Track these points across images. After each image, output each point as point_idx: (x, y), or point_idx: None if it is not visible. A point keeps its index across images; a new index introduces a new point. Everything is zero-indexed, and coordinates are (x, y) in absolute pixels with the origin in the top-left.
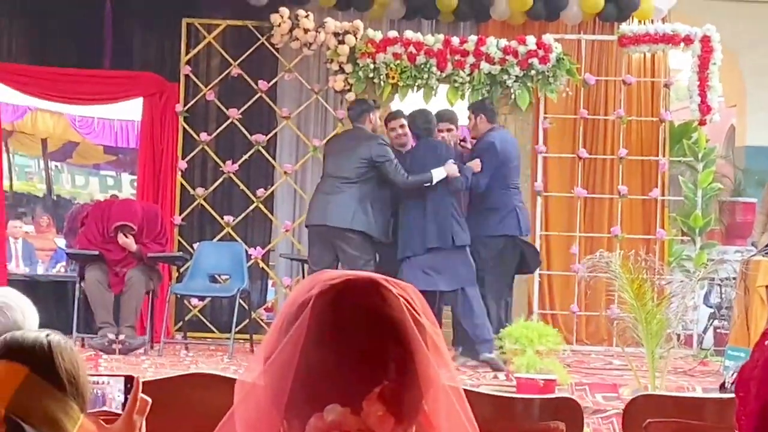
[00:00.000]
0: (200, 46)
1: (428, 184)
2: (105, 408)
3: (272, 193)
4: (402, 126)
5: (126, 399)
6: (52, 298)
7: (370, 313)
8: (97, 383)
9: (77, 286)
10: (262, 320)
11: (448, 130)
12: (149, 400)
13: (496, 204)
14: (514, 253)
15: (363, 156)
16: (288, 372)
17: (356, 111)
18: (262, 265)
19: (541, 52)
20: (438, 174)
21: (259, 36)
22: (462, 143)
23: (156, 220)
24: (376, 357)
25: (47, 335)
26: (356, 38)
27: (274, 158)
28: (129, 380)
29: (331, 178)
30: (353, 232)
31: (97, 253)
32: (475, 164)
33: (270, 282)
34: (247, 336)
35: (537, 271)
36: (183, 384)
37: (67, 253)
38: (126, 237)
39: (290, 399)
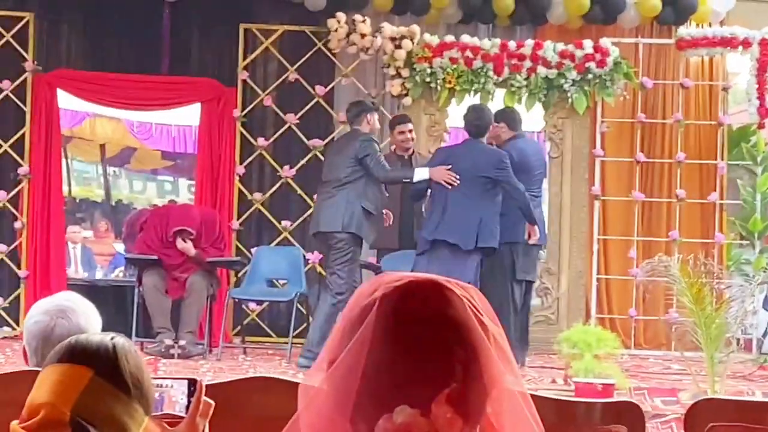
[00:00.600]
0: (258, 52)
1: (407, 180)
2: (168, 411)
3: None
4: (410, 131)
5: (189, 402)
6: (111, 303)
7: (434, 315)
8: (161, 386)
9: (136, 291)
10: None
11: (410, 131)
12: (212, 403)
13: (505, 210)
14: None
15: (350, 155)
16: (354, 376)
17: (353, 113)
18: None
19: (598, 56)
20: (420, 173)
21: (316, 41)
22: None
23: (214, 225)
24: (442, 359)
25: (112, 338)
26: (413, 43)
27: None
28: (192, 383)
29: (324, 183)
30: (341, 234)
31: (155, 257)
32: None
33: None
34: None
35: (594, 276)
36: (244, 388)
37: (126, 258)
38: (185, 242)
39: (356, 402)
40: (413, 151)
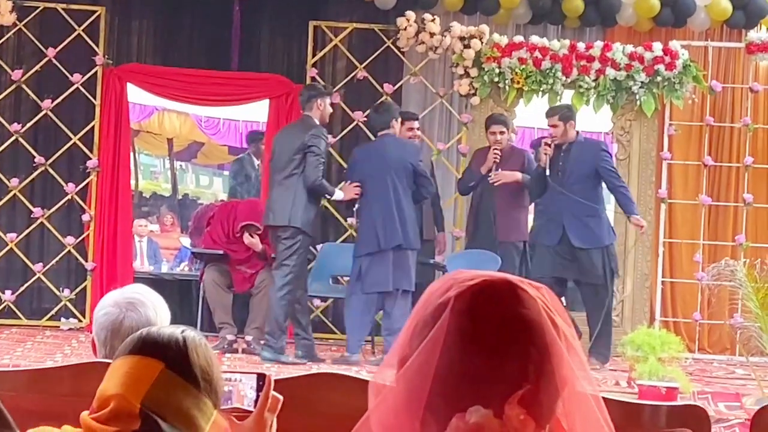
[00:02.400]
0: (327, 49)
1: (329, 196)
2: (237, 405)
3: None
4: (419, 128)
5: (257, 396)
6: (176, 296)
7: (508, 316)
8: (229, 380)
9: (201, 285)
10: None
11: (501, 133)
12: (281, 398)
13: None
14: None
15: (298, 146)
16: (426, 374)
17: (304, 96)
18: None
19: (667, 59)
20: (338, 194)
21: (385, 39)
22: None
23: None
24: (515, 359)
25: (182, 331)
26: (482, 42)
27: None
28: (261, 378)
29: (273, 173)
30: (288, 228)
31: (221, 252)
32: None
33: None
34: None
35: (659, 279)
36: (311, 383)
37: (192, 252)
38: (252, 237)
39: (427, 401)
40: (501, 151)
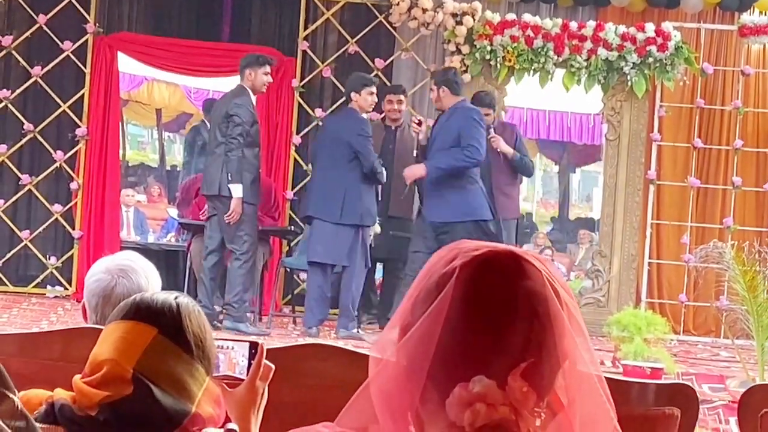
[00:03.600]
0: (318, 23)
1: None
2: (228, 372)
3: None
4: (400, 102)
5: (249, 365)
6: (163, 267)
7: (512, 287)
8: (222, 348)
9: (188, 255)
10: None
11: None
12: (272, 366)
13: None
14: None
15: (224, 114)
16: (429, 344)
17: (240, 65)
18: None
19: (659, 40)
20: (235, 190)
21: (377, 14)
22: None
23: (269, 194)
24: (519, 331)
25: (176, 297)
26: (474, 20)
27: None
28: (254, 346)
29: (208, 143)
30: (223, 198)
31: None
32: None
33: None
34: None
35: (646, 260)
36: (301, 354)
37: (179, 223)
38: None
39: (429, 370)
40: (402, 123)
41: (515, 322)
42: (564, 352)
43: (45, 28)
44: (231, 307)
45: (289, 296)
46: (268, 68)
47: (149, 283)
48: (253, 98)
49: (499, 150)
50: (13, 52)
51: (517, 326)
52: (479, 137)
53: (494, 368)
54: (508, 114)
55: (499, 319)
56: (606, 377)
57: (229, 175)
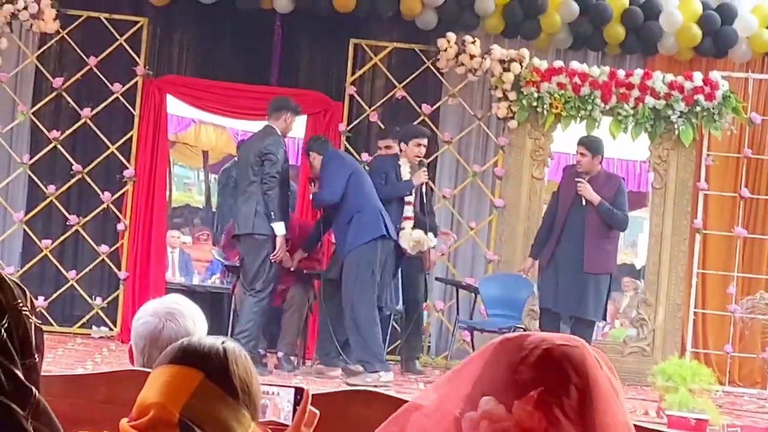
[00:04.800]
0: (366, 67)
1: (272, 216)
2: (273, 418)
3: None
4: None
5: (294, 410)
6: (207, 308)
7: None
8: (267, 393)
9: (232, 298)
10: None
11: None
12: (317, 412)
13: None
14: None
15: (257, 153)
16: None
17: (275, 105)
18: None
19: (707, 89)
20: (278, 227)
21: (425, 60)
22: None
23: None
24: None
25: (223, 342)
26: (521, 66)
27: (433, 181)
28: (299, 392)
29: (239, 183)
30: (255, 236)
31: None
32: None
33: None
34: (398, 357)
35: (692, 309)
36: (346, 399)
37: (224, 265)
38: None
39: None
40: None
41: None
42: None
43: (95, 70)
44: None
45: None
46: (297, 118)
47: (196, 326)
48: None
49: (584, 197)
50: (64, 94)
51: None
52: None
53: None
54: (553, 160)
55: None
56: (649, 428)
57: (272, 213)
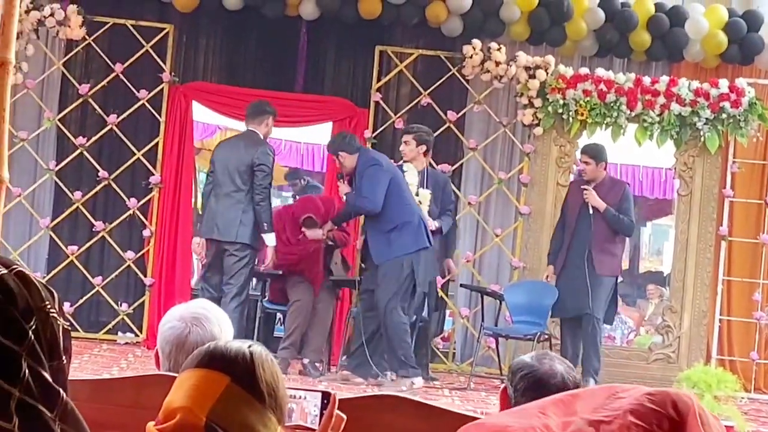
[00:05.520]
0: (392, 74)
1: (265, 227)
2: (300, 422)
3: (455, 223)
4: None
5: (321, 415)
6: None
7: None
8: (294, 397)
9: (258, 304)
10: (438, 349)
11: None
12: (344, 417)
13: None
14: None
15: (247, 162)
16: None
17: (257, 109)
18: (441, 294)
19: (733, 96)
20: (269, 239)
21: (451, 66)
22: None
23: (335, 208)
24: None
25: (249, 346)
26: (547, 73)
27: (459, 188)
28: (326, 396)
29: (215, 186)
30: (236, 244)
31: (280, 272)
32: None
33: (448, 312)
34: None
35: (717, 316)
36: (374, 405)
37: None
38: (313, 229)
39: None
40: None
41: None
42: None
43: (122, 76)
44: None
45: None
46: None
47: (222, 331)
48: None
49: (590, 204)
50: (90, 100)
51: None
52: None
53: None
54: (579, 167)
55: None
56: None
57: (265, 225)
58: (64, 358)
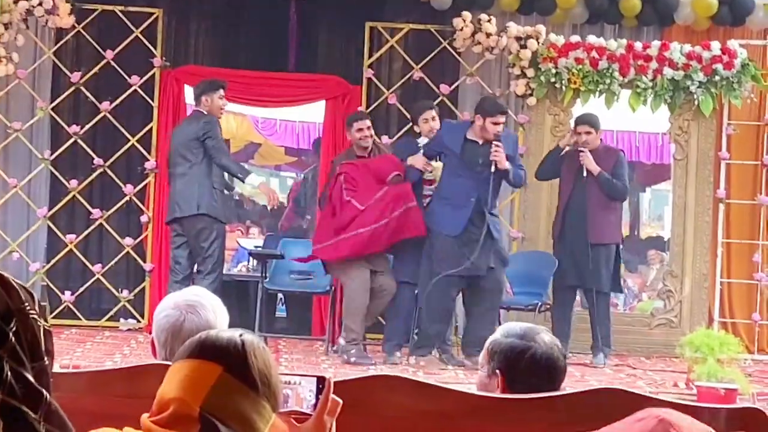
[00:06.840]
0: (383, 50)
1: (240, 176)
2: (296, 408)
3: None
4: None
5: (317, 399)
6: (234, 297)
7: None
8: (289, 383)
9: (260, 285)
10: None
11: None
12: (340, 401)
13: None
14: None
15: (193, 137)
16: None
17: (195, 93)
18: None
19: (725, 58)
20: (251, 178)
21: (441, 40)
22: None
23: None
24: None
25: (241, 335)
26: (538, 43)
27: None
28: (320, 381)
29: (170, 167)
30: (202, 218)
31: (280, 253)
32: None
33: None
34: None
35: (718, 279)
36: (369, 385)
37: (250, 253)
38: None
39: None
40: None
41: None
42: None
43: (113, 63)
44: None
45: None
46: (222, 92)
47: (217, 318)
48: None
49: (585, 168)
50: (82, 88)
51: None
52: None
53: None
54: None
55: None
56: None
57: (239, 173)
58: (46, 359)
